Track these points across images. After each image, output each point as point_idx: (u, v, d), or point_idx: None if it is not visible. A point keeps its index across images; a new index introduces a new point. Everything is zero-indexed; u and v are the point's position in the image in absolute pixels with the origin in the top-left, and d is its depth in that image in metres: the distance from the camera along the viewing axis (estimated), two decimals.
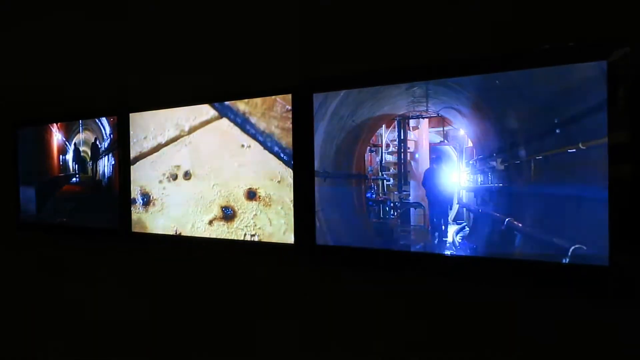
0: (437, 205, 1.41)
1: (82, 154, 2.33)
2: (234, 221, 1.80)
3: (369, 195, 1.53)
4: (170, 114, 1.96)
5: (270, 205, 1.71)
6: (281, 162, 1.68)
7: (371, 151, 1.53)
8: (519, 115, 1.28)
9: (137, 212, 2.09)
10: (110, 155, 2.21)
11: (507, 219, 1.30)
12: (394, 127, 1.49)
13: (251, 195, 1.75)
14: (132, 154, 2.09)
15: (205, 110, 1.86)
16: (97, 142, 2.26)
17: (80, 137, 2.33)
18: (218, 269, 1.93)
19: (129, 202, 2.12)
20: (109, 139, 2.21)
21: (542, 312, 1.31)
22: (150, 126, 2.02)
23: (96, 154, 2.26)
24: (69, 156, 2.38)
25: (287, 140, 1.67)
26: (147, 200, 2.04)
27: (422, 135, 1.44)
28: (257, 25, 1.79)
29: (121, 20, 2.19)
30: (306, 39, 1.68)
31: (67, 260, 2.47)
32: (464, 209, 1.39)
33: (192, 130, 1.89)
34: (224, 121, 1.81)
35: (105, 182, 2.24)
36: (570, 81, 1.20)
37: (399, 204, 1.49)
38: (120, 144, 2.14)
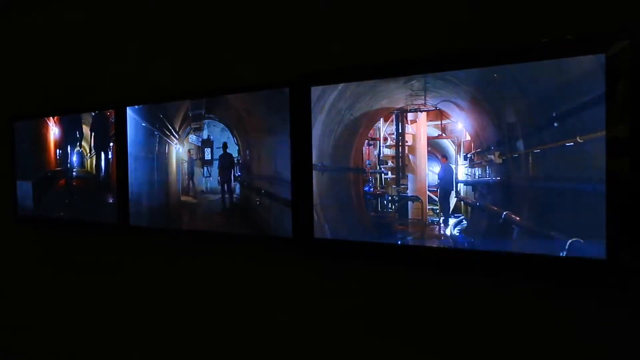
0: (447, 198, 1.42)
1: (80, 149, 2.33)
2: None
3: (366, 188, 1.53)
4: None
5: None
6: None
7: (369, 145, 1.52)
8: (517, 108, 1.27)
9: None
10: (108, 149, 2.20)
11: (504, 213, 1.30)
12: (392, 121, 1.48)
13: None
14: None
15: None
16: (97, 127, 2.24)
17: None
18: (216, 261, 1.94)
19: (127, 195, 2.12)
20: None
21: (540, 306, 1.31)
22: None
23: (100, 139, 2.24)
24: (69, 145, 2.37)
25: None
26: None
27: (420, 128, 1.44)
28: (255, 18, 1.78)
29: (119, 14, 2.18)
30: (304, 32, 1.67)
31: (66, 254, 2.47)
32: (462, 202, 1.39)
33: None
34: None
35: (103, 176, 2.23)
36: (569, 75, 1.20)
37: (396, 198, 1.49)
38: (118, 137, 2.14)
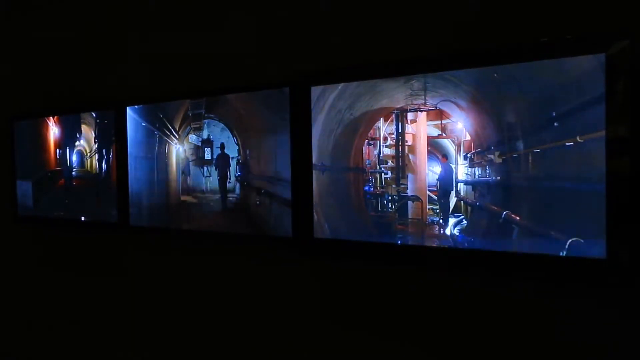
0: (447, 198, 1.42)
1: (80, 148, 2.33)
2: None
3: (366, 188, 1.53)
4: None
5: None
6: None
7: (369, 144, 1.52)
8: (517, 108, 1.27)
9: None
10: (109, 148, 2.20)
11: (504, 212, 1.30)
12: (392, 120, 1.48)
13: None
14: None
15: None
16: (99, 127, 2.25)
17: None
18: (216, 261, 1.94)
19: (127, 195, 2.12)
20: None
21: (540, 305, 1.31)
22: None
23: (102, 138, 2.24)
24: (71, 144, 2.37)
25: None
26: None
27: (420, 128, 1.44)
28: (255, 17, 1.78)
29: (120, 14, 2.18)
30: (304, 32, 1.67)
31: (66, 254, 2.47)
32: (462, 202, 1.39)
33: None
34: None
35: (104, 176, 2.23)
36: (569, 74, 1.20)
37: (396, 197, 1.49)
38: (118, 137, 2.14)
